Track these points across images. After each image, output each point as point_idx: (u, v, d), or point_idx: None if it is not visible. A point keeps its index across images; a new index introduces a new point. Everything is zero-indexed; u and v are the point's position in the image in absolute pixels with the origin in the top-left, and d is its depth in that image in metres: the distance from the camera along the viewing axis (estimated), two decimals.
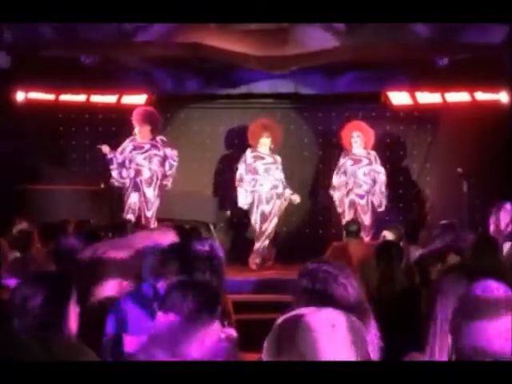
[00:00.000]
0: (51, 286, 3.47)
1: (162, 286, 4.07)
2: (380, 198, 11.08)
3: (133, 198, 10.69)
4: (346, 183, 11.05)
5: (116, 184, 10.81)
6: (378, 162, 11.19)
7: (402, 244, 7.05)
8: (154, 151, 10.85)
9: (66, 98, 11.72)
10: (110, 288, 4.62)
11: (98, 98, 11.90)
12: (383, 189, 11.11)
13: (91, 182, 11.37)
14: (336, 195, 11.14)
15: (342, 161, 11.18)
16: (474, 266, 4.57)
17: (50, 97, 11.62)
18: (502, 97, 11.29)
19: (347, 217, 10.84)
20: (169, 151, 10.92)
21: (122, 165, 10.71)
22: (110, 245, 5.15)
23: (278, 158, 11.05)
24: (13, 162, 11.43)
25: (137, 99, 11.97)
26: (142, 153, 10.79)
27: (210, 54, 10.46)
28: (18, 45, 10.05)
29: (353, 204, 11.02)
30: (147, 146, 10.84)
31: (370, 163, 11.10)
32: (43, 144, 12.04)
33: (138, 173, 10.72)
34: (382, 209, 11.13)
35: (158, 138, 11.00)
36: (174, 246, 4.45)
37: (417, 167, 12.51)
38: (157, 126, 11.06)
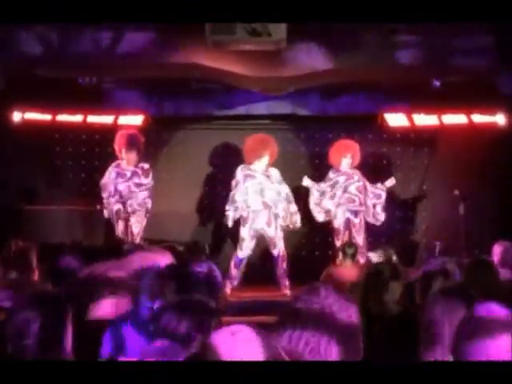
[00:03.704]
0: (47, 307, 3.44)
1: (159, 307, 4.04)
2: (375, 215, 11.08)
3: (120, 226, 10.64)
4: (339, 198, 11.02)
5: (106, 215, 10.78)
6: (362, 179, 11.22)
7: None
8: (136, 180, 10.72)
9: (62, 118, 11.71)
10: (106, 309, 4.59)
11: (94, 119, 11.90)
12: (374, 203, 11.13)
13: (87, 203, 11.35)
14: (326, 213, 11.10)
15: (332, 176, 11.16)
16: (472, 287, 4.54)
17: (47, 117, 11.62)
18: (499, 119, 11.31)
19: (342, 238, 10.82)
20: (148, 182, 10.83)
21: (108, 197, 10.70)
22: (107, 265, 5.13)
23: (274, 172, 10.72)
24: (9, 183, 11.42)
25: (133, 120, 11.96)
26: (124, 181, 10.68)
27: (207, 75, 10.48)
28: (14, 65, 10.05)
29: (347, 224, 10.99)
30: (128, 174, 10.72)
31: (359, 180, 11.10)
32: (40, 164, 12.02)
33: (121, 202, 10.65)
34: (379, 223, 11.10)
35: (140, 165, 10.83)
36: (171, 268, 4.43)
37: (413, 189, 12.51)
38: (142, 150, 10.90)
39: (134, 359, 3.77)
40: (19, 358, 3.29)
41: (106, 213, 10.76)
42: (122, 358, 4.09)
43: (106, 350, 4.16)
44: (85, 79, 10.67)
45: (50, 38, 9.81)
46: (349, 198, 10.99)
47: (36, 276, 6.33)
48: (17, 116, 11.35)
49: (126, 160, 10.73)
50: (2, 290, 5.20)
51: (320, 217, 11.16)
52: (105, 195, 10.69)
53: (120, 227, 10.62)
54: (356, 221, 10.99)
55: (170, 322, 3.40)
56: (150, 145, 12.21)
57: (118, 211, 10.62)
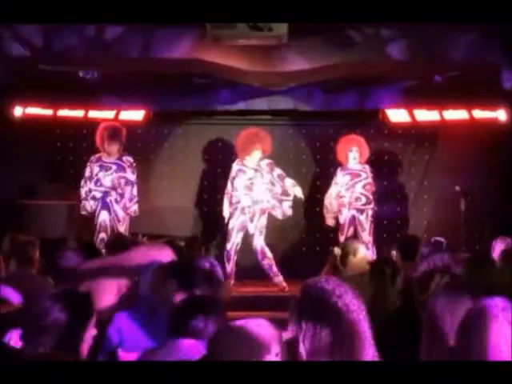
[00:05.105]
0: (77, 305, 3.44)
1: (160, 303, 4.06)
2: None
3: (102, 216, 10.54)
4: (344, 197, 11.01)
5: (84, 213, 10.70)
6: (371, 176, 11.20)
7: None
8: (120, 173, 10.66)
9: (63, 113, 11.71)
10: (106, 304, 4.59)
11: (95, 114, 11.89)
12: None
13: None
14: (332, 208, 11.10)
15: (339, 175, 11.15)
16: (472, 283, 4.55)
17: (48, 112, 11.61)
18: (500, 115, 11.30)
19: (346, 234, 10.84)
20: (133, 177, 10.76)
21: (89, 192, 10.64)
22: (107, 261, 5.13)
23: (264, 165, 10.73)
24: (10, 177, 11.42)
25: (134, 115, 11.97)
26: (109, 174, 10.62)
27: (209, 70, 10.47)
28: (17, 60, 10.04)
29: (352, 220, 10.99)
30: (114, 167, 10.66)
31: (367, 177, 11.10)
32: (40, 159, 12.02)
33: (106, 194, 10.60)
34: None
35: (125, 158, 10.79)
36: (173, 264, 4.42)
37: (414, 185, 12.51)
38: (123, 142, 10.84)
39: (135, 355, 3.78)
40: (30, 352, 3.28)
41: (87, 206, 10.69)
42: (121, 353, 4.10)
43: (105, 345, 4.17)
44: (86, 74, 10.66)
45: (51, 33, 9.80)
46: (355, 196, 10.98)
47: (37, 270, 6.34)
48: (18, 111, 11.35)
49: (108, 151, 10.68)
50: (3, 284, 5.20)
51: (329, 217, 11.18)
52: (85, 189, 10.63)
53: (102, 218, 10.58)
54: (362, 218, 10.98)
55: (196, 320, 3.40)
56: (150, 139, 12.25)
57: (103, 201, 10.58)
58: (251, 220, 10.56)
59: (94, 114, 11.87)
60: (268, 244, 10.74)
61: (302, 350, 2.45)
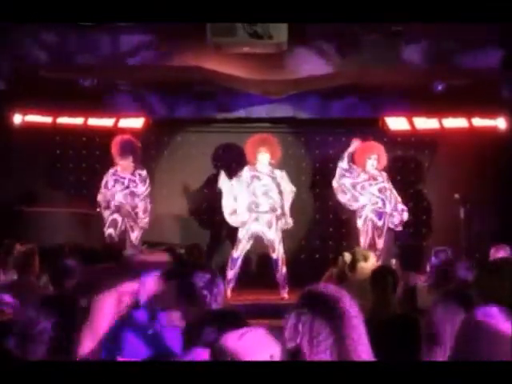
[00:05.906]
0: (63, 310, 3.43)
1: (159, 311, 4.04)
2: (399, 217, 10.97)
3: (111, 228, 10.64)
4: (360, 198, 10.89)
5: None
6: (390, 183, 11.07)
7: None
8: (132, 188, 10.74)
9: (63, 120, 11.71)
10: (105, 311, 4.58)
11: (95, 122, 11.89)
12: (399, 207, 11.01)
13: (88, 206, 11.33)
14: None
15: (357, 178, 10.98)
16: (478, 291, 4.53)
17: (48, 120, 11.61)
18: (500, 123, 11.30)
19: (363, 239, 10.69)
20: (144, 191, 10.83)
21: (105, 203, 10.69)
22: (106, 269, 5.12)
23: (279, 173, 10.73)
24: (10, 184, 11.41)
25: (134, 123, 11.95)
26: (122, 190, 10.69)
27: (208, 78, 10.47)
28: (16, 67, 10.05)
29: (371, 226, 10.80)
30: (126, 182, 10.74)
31: (383, 181, 10.93)
32: (40, 167, 12.01)
33: (118, 208, 10.66)
34: (399, 228, 11.02)
35: (137, 172, 10.83)
36: (173, 271, 4.41)
37: (413, 193, 12.49)
38: (138, 155, 10.89)
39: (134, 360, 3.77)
40: (24, 359, 3.27)
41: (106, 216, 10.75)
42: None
43: (104, 355, 4.16)
44: (86, 81, 10.67)
45: (52, 40, 9.81)
46: (371, 198, 10.82)
47: (36, 278, 6.33)
48: (17, 118, 11.35)
49: (121, 167, 10.74)
50: (2, 292, 5.20)
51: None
52: (103, 205, 10.68)
53: (110, 231, 10.62)
54: (379, 223, 10.82)
55: (210, 332, 3.39)
56: (150, 147, 12.23)
57: (114, 220, 10.63)
58: (269, 226, 10.48)
59: (93, 121, 11.87)
60: (265, 252, 10.74)
61: (303, 356, 2.44)
